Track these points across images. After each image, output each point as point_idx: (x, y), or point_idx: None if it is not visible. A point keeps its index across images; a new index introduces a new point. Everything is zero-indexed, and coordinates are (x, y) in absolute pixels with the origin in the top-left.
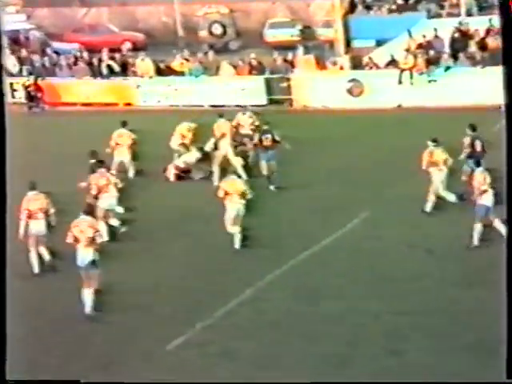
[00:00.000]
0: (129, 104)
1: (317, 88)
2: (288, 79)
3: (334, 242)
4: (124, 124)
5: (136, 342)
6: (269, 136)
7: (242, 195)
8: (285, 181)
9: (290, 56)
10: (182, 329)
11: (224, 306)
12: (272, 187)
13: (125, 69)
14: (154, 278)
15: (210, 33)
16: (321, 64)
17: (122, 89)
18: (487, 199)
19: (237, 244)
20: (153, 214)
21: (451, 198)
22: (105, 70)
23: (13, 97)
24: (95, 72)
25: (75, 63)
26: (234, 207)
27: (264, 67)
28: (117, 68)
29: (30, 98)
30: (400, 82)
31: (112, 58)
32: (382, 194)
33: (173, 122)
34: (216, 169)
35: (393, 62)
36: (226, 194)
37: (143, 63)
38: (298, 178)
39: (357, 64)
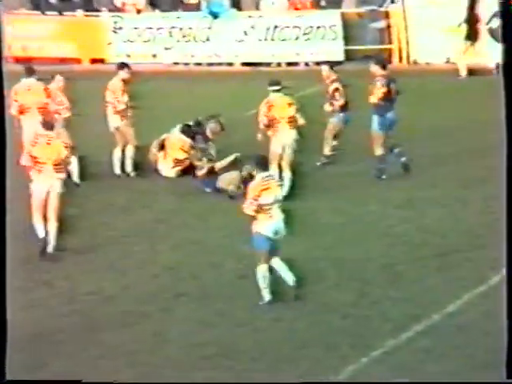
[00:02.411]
0: (100, 61)
1: (437, 31)
2: (386, 14)
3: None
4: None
5: None
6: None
7: (59, 165)
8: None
9: None
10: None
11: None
12: None
13: None
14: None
15: None
16: None
17: (89, 33)
18: (266, 226)
19: (50, 247)
20: None
21: None
22: None
23: None
24: (38, 2)
25: None
26: (46, 184)
27: None
28: None
29: None
30: None
31: None
32: None
33: (181, 94)
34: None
35: None
36: (37, 162)
37: None
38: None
39: None
